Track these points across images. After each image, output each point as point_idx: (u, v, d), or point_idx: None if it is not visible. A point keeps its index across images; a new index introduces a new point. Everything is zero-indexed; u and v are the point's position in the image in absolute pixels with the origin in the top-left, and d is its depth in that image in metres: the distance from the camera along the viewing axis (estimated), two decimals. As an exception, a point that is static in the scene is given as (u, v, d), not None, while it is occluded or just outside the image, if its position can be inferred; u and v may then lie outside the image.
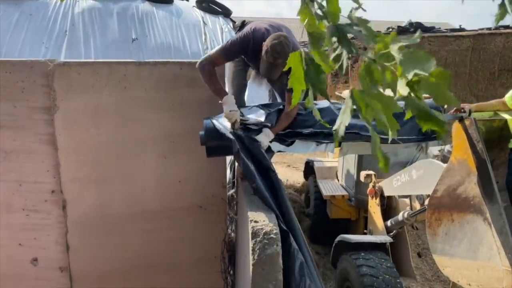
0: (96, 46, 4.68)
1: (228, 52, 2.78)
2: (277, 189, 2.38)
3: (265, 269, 2.05)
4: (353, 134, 2.77)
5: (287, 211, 2.31)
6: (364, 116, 1.02)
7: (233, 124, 2.59)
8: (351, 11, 1.03)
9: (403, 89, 0.93)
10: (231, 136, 2.54)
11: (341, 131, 1.05)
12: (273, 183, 2.40)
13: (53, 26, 4.79)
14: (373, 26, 1.07)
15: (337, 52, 1.01)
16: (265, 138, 2.61)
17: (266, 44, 2.57)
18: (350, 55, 1.01)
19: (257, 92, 3.84)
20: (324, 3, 1.02)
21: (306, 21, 1.06)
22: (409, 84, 0.94)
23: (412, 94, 0.95)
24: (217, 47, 2.84)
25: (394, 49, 0.94)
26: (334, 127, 1.07)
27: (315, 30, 1.08)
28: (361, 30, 0.99)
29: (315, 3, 1.00)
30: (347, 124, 1.04)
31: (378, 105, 1.01)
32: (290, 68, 1.12)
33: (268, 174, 2.43)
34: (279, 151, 2.83)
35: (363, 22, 1.00)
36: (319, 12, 1.03)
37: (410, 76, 0.91)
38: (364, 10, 1.03)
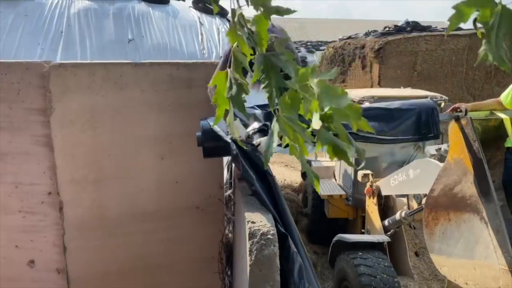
0: (92, 47, 4.67)
1: (224, 68, 2.81)
2: (274, 192, 2.38)
3: (262, 270, 2.04)
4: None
5: (285, 214, 2.31)
6: (290, 138, 1.10)
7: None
8: (275, 41, 1.07)
9: (316, 122, 0.99)
10: (228, 139, 2.54)
11: (271, 151, 1.15)
12: (271, 187, 2.40)
13: (48, 27, 4.77)
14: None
15: (266, 82, 1.07)
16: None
17: None
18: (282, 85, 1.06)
19: (259, 94, 3.85)
20: (254, 28, 1.05)
21: (234, 43, 1.12)
22: (323, 117, 1.01)
23: (325, 126, 1.04)
24: (216, 68, 2.88)
25: (313, 83, 1.00)
26: (264, 148, 1.17)
27: (238, 53, 1.14)
28: (287, 61, 1.03)
29: (245, 28, 1.04)
30: (275, 146, 1.13)
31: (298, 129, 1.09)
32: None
33: (265, 177, 2.43)
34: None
35: (288, 54, 1.05)
36: (247, 38, 1.06)
37: (326, 109, 0.97)
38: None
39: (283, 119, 1.07)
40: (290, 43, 2.73)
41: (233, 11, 1.07)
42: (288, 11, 1.01)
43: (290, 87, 1.04)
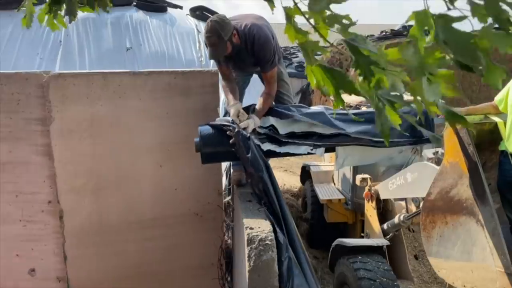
0: (91, 56, 4.71)
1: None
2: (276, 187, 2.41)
3: (261, 276, 2.07)
4: (343, 136, 2.79)
5: (286, 212, 2.34)
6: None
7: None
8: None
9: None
10: (233, 127, 2.57)
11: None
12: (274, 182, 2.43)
13: (47, 37, 4.81)
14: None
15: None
16: (252, 123, 2.68)
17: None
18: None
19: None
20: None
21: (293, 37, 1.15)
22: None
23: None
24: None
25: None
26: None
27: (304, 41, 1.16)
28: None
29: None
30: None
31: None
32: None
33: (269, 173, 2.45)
34: (269, 150, 2.83)
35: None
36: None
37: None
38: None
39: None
40: (267, 30, 2.86)
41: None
42: None
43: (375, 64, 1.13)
